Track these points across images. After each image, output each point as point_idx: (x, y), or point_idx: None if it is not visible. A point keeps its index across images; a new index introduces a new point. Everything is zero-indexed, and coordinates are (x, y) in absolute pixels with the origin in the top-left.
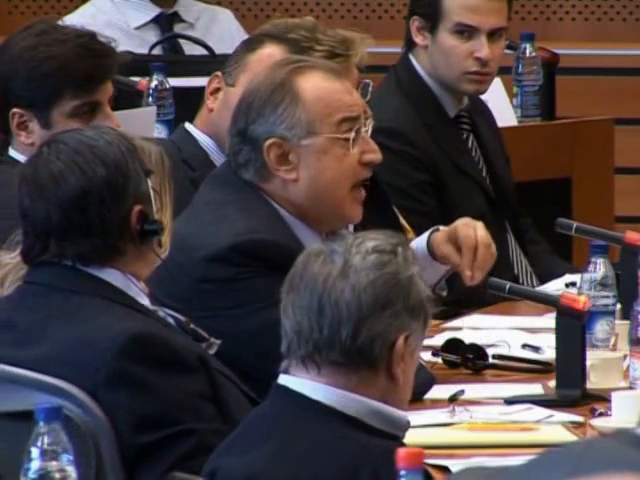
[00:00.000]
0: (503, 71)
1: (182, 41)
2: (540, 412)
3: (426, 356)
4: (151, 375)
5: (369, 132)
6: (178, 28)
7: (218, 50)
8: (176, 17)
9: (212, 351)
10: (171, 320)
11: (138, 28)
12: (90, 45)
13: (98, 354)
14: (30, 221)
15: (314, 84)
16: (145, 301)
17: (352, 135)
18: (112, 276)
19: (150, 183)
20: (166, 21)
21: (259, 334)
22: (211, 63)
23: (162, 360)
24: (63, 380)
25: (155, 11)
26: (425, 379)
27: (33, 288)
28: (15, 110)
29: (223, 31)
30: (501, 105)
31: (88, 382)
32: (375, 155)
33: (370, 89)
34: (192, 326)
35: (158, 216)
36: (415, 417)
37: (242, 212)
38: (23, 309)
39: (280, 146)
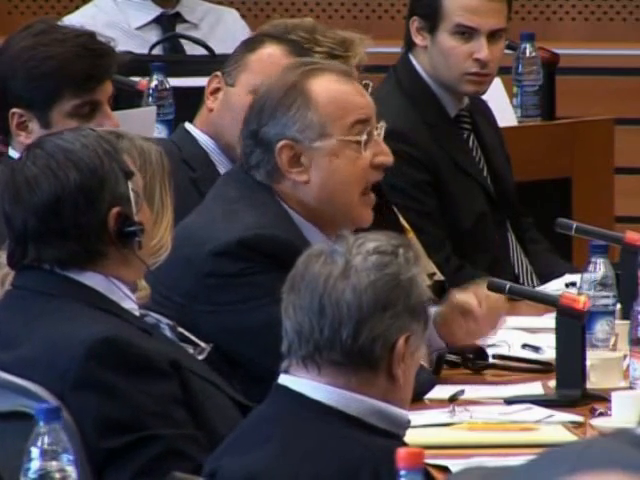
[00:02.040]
0: (503, 71)
1: (183, 41)
2: (540, 412)
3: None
4: (118, 379)
5: (381, 135)
6: (180, 28)
7: (223, 50)
8: (178, 17)
9: (202, 356)
10: (164, 326)
11: (139, 28)
12: (89, 45)
13: (67, 357)
14: (10, 226)
15: (326, 86)
16: (130, 305)
17: (364, 138)
18: (93, 280)
19: (131, 185)
20: (168, 21)
21: (261, 330)
22: (211, 63)
23: (130, 364)
24: (35, 382)
25: (157, 11)
26: (426, 379)
27: (18, 293)
28: (15, 110)
29: (227, 31)
30: (501, 105)
31: (57, 384)
32: (386, 158)
33: (370, 89)
34: (179, 330)
35: (138, 217)
36: (415, 417)
37: (253, 209)
38: (9, 313)
39: (292, 148)
